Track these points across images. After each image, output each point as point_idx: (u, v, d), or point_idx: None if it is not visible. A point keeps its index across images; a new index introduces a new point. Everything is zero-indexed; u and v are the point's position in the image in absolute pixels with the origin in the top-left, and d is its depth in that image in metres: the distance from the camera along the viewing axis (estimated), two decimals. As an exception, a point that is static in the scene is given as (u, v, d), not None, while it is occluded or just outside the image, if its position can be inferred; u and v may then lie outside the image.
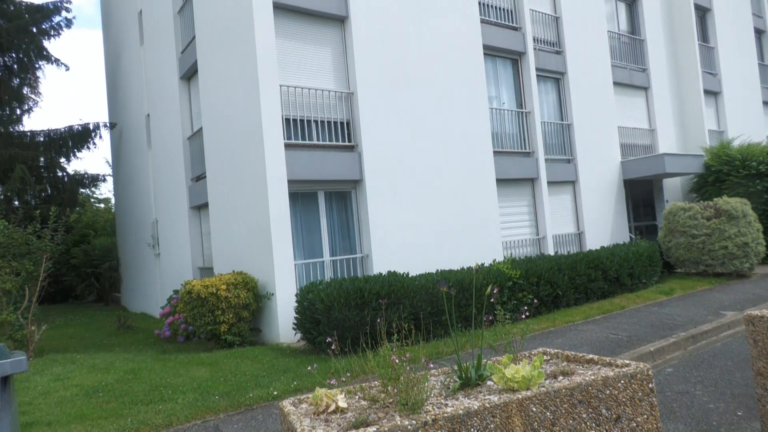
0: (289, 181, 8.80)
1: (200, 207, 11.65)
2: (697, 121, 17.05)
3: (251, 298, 8.46)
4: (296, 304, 7.90)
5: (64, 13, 18.08)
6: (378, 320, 4.32)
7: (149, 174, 14.55)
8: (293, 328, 8.05)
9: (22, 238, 8.95)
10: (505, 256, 11.41)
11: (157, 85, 13.51)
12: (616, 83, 15.05)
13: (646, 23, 16.35)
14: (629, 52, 16.04)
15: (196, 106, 11.59)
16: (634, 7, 16.51)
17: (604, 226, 13.96)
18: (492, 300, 7.76)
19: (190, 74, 11.75)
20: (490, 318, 3.73)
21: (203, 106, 10.77)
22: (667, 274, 13.21)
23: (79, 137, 17.71)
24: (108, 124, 18.04)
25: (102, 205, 27.95)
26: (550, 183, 12.80)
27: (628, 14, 16.45)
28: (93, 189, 27.10)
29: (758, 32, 22.20)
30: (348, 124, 9.78)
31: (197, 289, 8.25)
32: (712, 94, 18.20)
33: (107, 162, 26.08)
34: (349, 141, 9.75)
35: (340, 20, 9.84)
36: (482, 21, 11.85)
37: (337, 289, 7.29)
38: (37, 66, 18.26)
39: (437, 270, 8.98)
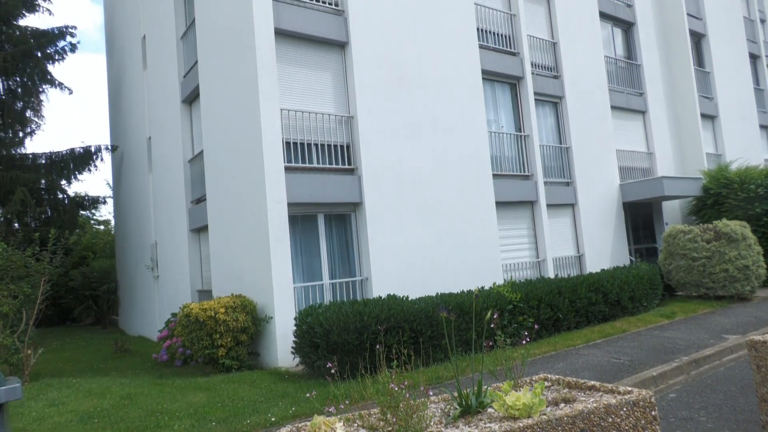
0: (289, 204, 8.82)
1: (200, 229, 11.65)
2: (695, 144, 17.17)
3: (250, 322, 8.40)
4: (295, 328, 7.84)
5: (69, 38, 18.31)
6: (377, 346, 4.27)
7: (149, 196, 14.59)
8: (292, 352, 7.98)
9: (21, 261, 8.93)
10: (505, 279, 11.36)
11: (158, 108, 13.64)
12: (613, 107, 15.20)
13: (642, 48, 16.59)
14: (626, 76, 16.24)
15: (198, 129, 11.68)
16: (629, 32, 16.77)
17: (604, 248, 13.94)
18: (492, 326, 7.71)
19: (191, 98, 11.88)
20: (491, 344, 3.70)
21: (204, 129, 10.85)
22: (668, 297, 13.14)
23: (81, 160, 17.78)
24: (109, 147, 18.14)
25: (102, 227, 27.93)
26: (549, 206, 12.83)
27: (624, 40, 16.70)
28: (93, 211, 27.12)
29: (753, 57, 22.51)
30: (348, 147, 9.85)
31: (195, 312, 8.20)
32: (709, 117, 18.36)
33: (108, 184, 26.21)
34: (349, 164, 9.80)
35: (340, 46, 9.99)
36: (481, 46, 12.02)
37: (337, 313, 7.24)
38: (41, 89, 18.44)
39: (437, 293, 8.93)
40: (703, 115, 17.75)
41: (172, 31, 12.40)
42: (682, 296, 13.09)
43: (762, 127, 22.07)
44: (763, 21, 28.98)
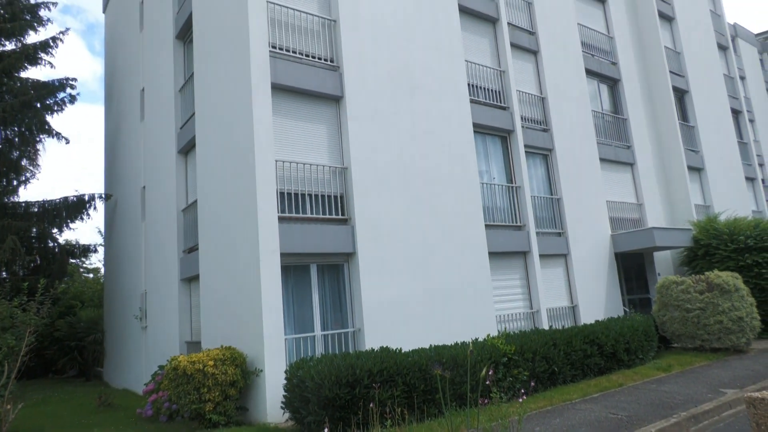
0: (282, 254, 8.79)
1: (191, 279, 11.54)
2: (683, 195, 17.46)
3: (239, 375, 8.19)
4: (285, 382, 7.65)
5: (68, 90, 18.71)
6: (370, 405, 4.17)
7: (141, 245, 14.51)
8: (281, 407, 7.75)
9: (7, 311, 8.75)
10: (499, 331, 11.24)
11: (154, 158, 13.79)
12: (602, 159, 15.54)
13: (628, 103, 17.13)
14: (613, 130, 16.68)
15: (192, 179, 11.78)
16: (615, 88, 17.36)
17: (597, 299, 13.89)
18: (488, 382, 7.56)
19: (187, 149, 12.04)
20: (486, 401, 3.64)
21: (199, 179, 10.94)
22: (664, 348, 13.01)
23: (74, 208, 17.78)
24: (103, 196, 18.18)
25: (91, 275, 27.57)
26: (542, 256, 12.86)
27: (610, 95, 17.26)
28: (83, 259, 26.85)
29: (735, 112, 23.29)
30: (341, 197, 9.93)
31: (183, 365, 8.00)
32: (696, 170, 18.77)
33: (99, 231, 26.02)
34: (343, 214, 9.85)
35: (335, 100, 10.25)
36: (472, 101, 12.38)
37: (328, 366, 7.09)
38: (38, 139, 18.64)
39: (431, 345, 8.79)
40: (690, 168, 18.15)
41: (170, 84, 12.71)
42: (678, 348, 12.96)
43: (747, 179, 22.58)
44: (742, 78, 30.17)
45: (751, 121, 29.18)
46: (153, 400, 8.94)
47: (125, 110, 17.15)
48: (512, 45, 13.99)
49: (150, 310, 13.52)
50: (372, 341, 9.21)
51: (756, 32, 37.78)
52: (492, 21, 13.78)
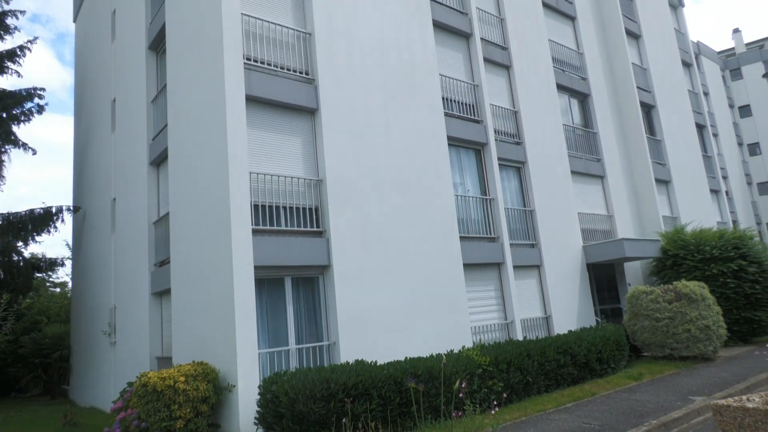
0: (256, 267, 8.70)
1: (162, 293, 11.31)
2: (651, 207, 17.93)
3: (211, 391, 8.03)
4: (259, 397, 7.53)
5: (36, 100, 18.26)
6: (343, 420, 4.14)
7: (110, 259, 14.17)
8: (255, 423, 7.62)
9: (-33, 328, 8.43)
10: (474, 342, 11.30)
11: (125, 170, 13.53)
12: (573, 172, 15.86)
13: (597, 117, 17.57)
14: (584, 143, 17.07)
15: (164, 191, 11.59)
16: (585, 103, 17.79)
17: (570, 309, 14.09)
18: (461, 395, 7.57)
19: (159, 160, 11.86)
20: (460, 413, 3.64)
21: (171, 192, 10.78)
22: (635, 357, 13.25)
23: (40, 221, 17.26)
24: (72, 208, 17.73)
25: (58, 290, 26.75)
26: (516, 267, 13.01)
27: (580, 109, 17.68)
28: (50, 273, 26.05)
29: (699, 127, 24.10)
30: (316, 210, 9.90)
31: (153, 381, 7.81)
32: (663, 182, 19.30)
33: (67, 244, 25.31)
34: (318, 226, 9.82)
35: (310, 112, 10.25)
36: (446, 114, 12.53)
37: (303, 380, 7.02)
38: (3, 150, 18.11)
39: (406, 357, 8.78)
40: (658, 180, 18.66)
41: (143, 95, 12.53)
42: (648, 357, 13.21)
43: (712, 191, 23.33)
44: (706, 94, 31.27)
45: (715, 135, 30.25)
46: (121, 419, 8.67)
47: (96, 121, 16.83)
48: (485, 60, 14.24)
49: (119, 326, 13.18)
50: (347, 354, 9.15)
51: (718, 50, 39.22)
52: (465, 36, 14.02)
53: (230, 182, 8.64)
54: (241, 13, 9.61)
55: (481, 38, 14.34)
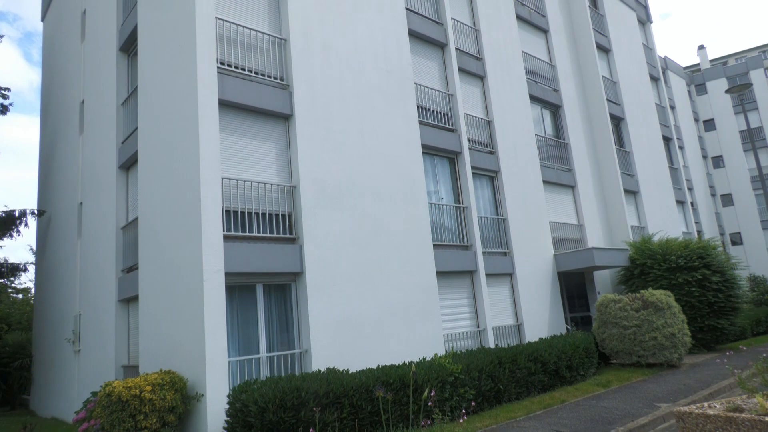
0: (227, 274, 8.56)
1: (129, 300, 11.04)
2: (620, 217, 18.34)
3: (179, 400, 7.84)
4: (228, 406, 7.39)
5: (1, 100, 17.73)
6: (310, 430, 4.09)
7: (76, 264, 13.77)
8: (223, 434, 7.46)
9: None
10: (446, 349, 11.33)
11: (93, 173, 13.20)
12: (545, 181, 16.12)
13: (569, 128, 17.92)
14: (556, 153, 17.38)
15: (133, 196, 11.35)
16: (557, 114, 18.14)
17: (541, 317, 14.27)
18: (430, 404, 7.57)
19: (129, 164, 11.61)
20: (429, 422, 3.64)
21: (141, 196, 10.55)
22: (604, 365, 13.47)
23: (3, 224, 16.72)
24: (36, 212, 17.20)
25: (20, 296, 25.88)
26: (488, 275, 13.12)
27: (552, 120, 18.01)
28: (12, 279, 25.18)
29: (666, 139, 24.82)
30: (289, 216, 9.82)
31: (118, 390, 7.59)
32: (632, 193, 19.78)
33: (31, 249, 24.47)
34: (290, 233, 9.73)
35: (284, 118, 10.19)
36: (421, 123, 12.60)
37: (273, 389, 6.92)
38: (-36, 150, 17.50)
39: (378, 365, 8.74)
40: (626, 191, 19.11)
41: (113, 97, 12.27)
42: (617, 364, 13.45)
43: (678, 202, 24.02)
44: (672, 107, 32.23)
45: (681, 147, 31.18)
46: (84, 429, 8.40)
47: (63, 122, 16.39)
48: (460, 69, 14.41)
49: (84, 333, 12.80)
50: (319, 362, 9.07)
51: (684, 66, 40.54)
52: (441, 46, 14.16)
53: (201, 187, 8.51)
54: (216, 17, 9.51)
55: (456, 48, 14.51)
